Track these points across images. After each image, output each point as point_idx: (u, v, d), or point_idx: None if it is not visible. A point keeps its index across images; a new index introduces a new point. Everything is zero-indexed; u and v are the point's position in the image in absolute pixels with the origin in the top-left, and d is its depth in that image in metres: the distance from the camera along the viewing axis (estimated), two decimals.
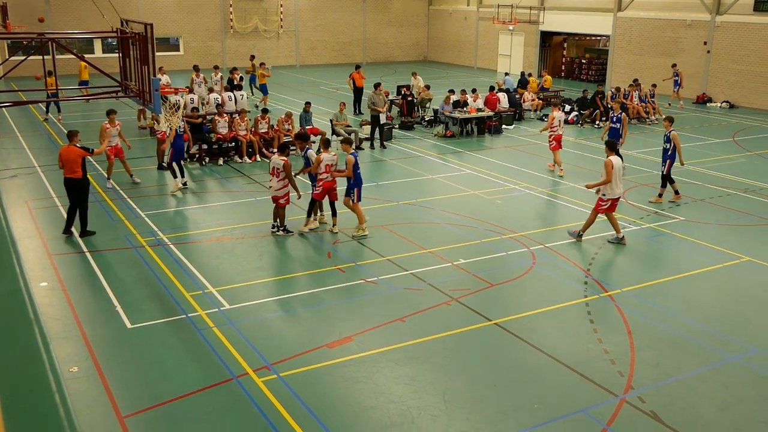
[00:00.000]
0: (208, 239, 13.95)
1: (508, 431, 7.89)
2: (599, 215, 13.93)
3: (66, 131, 14.80)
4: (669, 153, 16.47)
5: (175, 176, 17.32)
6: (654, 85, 29.24)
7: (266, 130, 20.92)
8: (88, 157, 14.30)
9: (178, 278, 11.92)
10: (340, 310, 10.86)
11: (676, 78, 30.97)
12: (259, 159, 20.33)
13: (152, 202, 16.42)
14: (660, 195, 16.82)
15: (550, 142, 19.48)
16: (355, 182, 14.07)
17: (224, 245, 13.63)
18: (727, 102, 32.50)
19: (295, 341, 9.89)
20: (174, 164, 17.37)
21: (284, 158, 13.94)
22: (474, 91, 26.06)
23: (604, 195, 13.73)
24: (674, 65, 31.74)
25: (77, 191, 13.81)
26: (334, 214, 14.47)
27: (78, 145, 13.90)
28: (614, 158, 13.61)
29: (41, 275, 12.00)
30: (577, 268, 12.68)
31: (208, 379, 8.85)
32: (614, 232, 13.95)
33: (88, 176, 14.30)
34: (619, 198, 13.89)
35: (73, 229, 14.05)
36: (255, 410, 8.19)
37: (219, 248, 13.48)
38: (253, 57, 33.56)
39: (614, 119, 20.00)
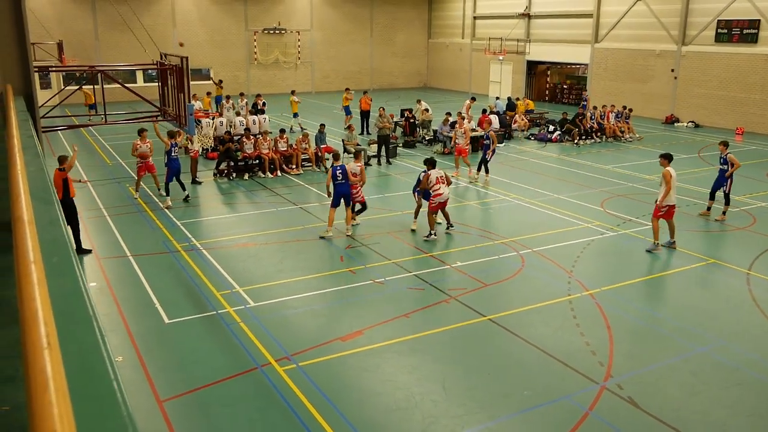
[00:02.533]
0: (236, 245, 13.95)
1: (500, 415, 7.84)
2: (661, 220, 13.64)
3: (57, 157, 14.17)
4: (727, 174, 15.64)
5: (167, 194, 16.92)
6: (630, 109, 29.19)
7: (285, 149, 20.95)
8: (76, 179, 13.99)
9: (209, 279, 11.92)
10: (352, 307, 10.83)
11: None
12: (279, 174, 20.35)
13: (187, 212, 16.43)
14: (724, 213, 15.89)
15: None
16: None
17: (250, 250, 13.63)
18: (692, 122, 32.39)
19: (312, 335, 9.86)
20: (169, 183, 16.93)
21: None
22: (459, 113, 26.03)
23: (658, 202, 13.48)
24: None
25: (66, 212, 12.75)
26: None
27: (62, 168, 13.23)
28: (671, 169, 13.41)
29: (91, 276, 12.02)
30: (561, 269, 12.62)
31: (236, 368, 8.83)
32: (668, 237, 13.72)
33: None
34: (674, 205, 13.55)
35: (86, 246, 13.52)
36: (277, 395, 8.16)
37: (245, 253, 13.47)
38: (220, 81, 33.38)
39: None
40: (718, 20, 30.89)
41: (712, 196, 16.25)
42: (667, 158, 13.66)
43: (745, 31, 29.91)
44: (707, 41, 31.58)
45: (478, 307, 10.80)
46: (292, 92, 30.39)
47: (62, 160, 13.59)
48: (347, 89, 31.07)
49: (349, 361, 9.08)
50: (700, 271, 12.69)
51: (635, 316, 10.73)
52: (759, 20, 29.31)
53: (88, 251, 13.36)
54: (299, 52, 46.54)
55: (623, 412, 7.92)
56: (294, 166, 20.80)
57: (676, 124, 32.83)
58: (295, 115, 29.20)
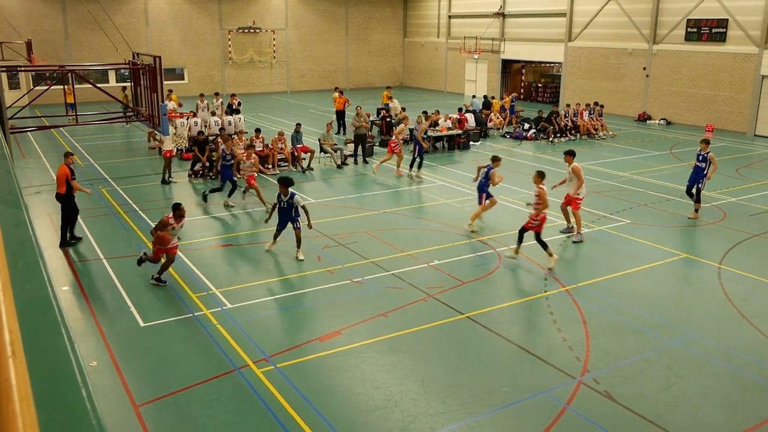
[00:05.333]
0: (212, 246, 13.82)
1: (479, 411, 7.85)
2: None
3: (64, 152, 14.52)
4: (705, 171, 15.72)
5: (230, 195, 16.96)
6: (602, 105, 29.51)
7: (261, 149, 20.81)
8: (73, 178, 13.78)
9: (185, 281, 11.79)
10: (330, 307, 10.79)
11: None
12: (256, 174, 20.16)
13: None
14: (696, 210, 16.06)
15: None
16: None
17: (226, 251, 13.51)
18: (664, 119, 32.81)
19: (290, 335, 9.81)
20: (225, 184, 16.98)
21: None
22: (434, 112, 26.04)
23: (579, 194, 14.22)
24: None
25: (61, 205, 13.55)
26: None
27: (71, 166, 13.72)
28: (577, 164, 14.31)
29: (63, 280, 11.82)
30: (538, 266, 12.69)
31: (213, 370, 8.74)
32: (567, 224, 14.82)
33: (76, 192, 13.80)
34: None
35: (78, 236, 14.05)
36: (255, 397, 8.09)
37: (221, 254, 13.35)
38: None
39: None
40: (688, 19, 31.32)
41: (690, 194, 16.22)
42: (572, 155, 14.63)
43: (713, 30, 30.37)
44: (677, 40, 32.02)
45: (456, 305, 10.82)
46: (335, 89, 30.72)
47: (68, 155, 13.99)
48: (388, 87, 32.50)
49: (328, 361, 9.04)
50: (673, 266, 12.84)
51: (611, 311, 10.83)
52: (727, 20, 29.77)
53: (72, 243, 13.75)
54: (274, 51, 46.29)
55: (600, 405, 7.99)
56: (270, 166, 20.66)
57: (648, 122, 33.24)
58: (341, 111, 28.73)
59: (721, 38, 30.11)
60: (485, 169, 15.03)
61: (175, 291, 11.40)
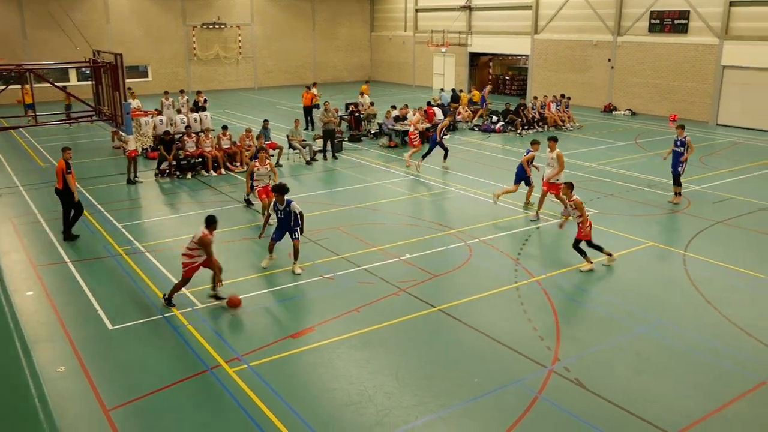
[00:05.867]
0: (181, 246, 13.67)
1: (452, 403, 7.94)
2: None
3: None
4: (682, 158, 16.20)
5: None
6: (569, 97, 29.89)
7: (229, 146, 20.67)
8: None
9: (154, 282, 11.68)
10: (302, 304, 10.79)
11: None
12: (224, 172, 20.07)
13: (129, 214, 16.04)
14: (678, 194, 16.61)
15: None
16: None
17: None
18: (629, 110, 33.32)
19: (262, 334, 9.79)
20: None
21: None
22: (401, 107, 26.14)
23: (558, 179, 14.74)
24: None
25: (60, 200, 13.94)
26: None
27: (69, 161, 13.95)
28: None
29: (27, 285, 11.62)
30: (508, 257, 12.84)
31: (185, 371, 8.69)
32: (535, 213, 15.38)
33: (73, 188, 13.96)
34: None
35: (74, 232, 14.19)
36: (228, 397, 8.08)
37: None
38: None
39: None
40: (651, 11, 31.83)
41: (677, 181, 16.61)
42: (555, 140, 15.28)
43: (676, 22, 30.92)
44: (641, 32, 32.53)
45: (427, 298, 10.90)
46: (314, 84, 30.73)
47: (65, 149, 14.16)
48: (366, 81, 33.46)
49: (301, 358, 9.06)
50: (640, 254, 13.10)
51: (580, 300, 11.02)
52: (688, 11, 30.33)
53: (75, 237, 14.05)
54: (240, 47, 45.91)
55: (571, 393, 8.14)
56: (238, 164, 20.54)
57: (614, 112, 33.73)
58: (317, 106, 28.79)
59: (683, 30, 30.68)
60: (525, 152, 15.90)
61: (144, 293, 11.29)
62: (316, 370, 8.76)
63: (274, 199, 12.12)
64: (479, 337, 9.64)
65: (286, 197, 11.96)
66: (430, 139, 20.92)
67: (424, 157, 20.42)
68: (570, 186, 12.45)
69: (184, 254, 10.62)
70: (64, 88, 20.77)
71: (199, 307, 10.62)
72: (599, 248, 12.28)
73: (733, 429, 7.48)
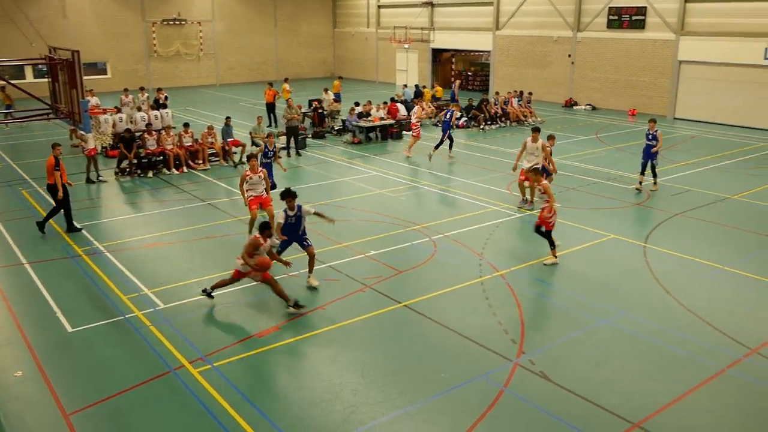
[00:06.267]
0: (142, 246, 13.45)
1: (419, 399, 7.94)
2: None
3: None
4: (653, 149, 16.82)
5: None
6: (530, 93, 30.18)
7: (191, 144, 20.38)
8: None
9: (115, 283, 11.44)
10: (267, 303, 10.67)
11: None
12: (186, 170, 19.77)
13: (88, 214, 15.68)
14: (655, 183, 17.44)
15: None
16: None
17: (157, 251, 13.17)
18: (590, 105, 33.79)
19: (227, 333, 9.66)
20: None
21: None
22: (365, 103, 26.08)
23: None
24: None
25: (51, 195, 14.15)
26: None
27: (58, 156, 14.01)
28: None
29: None
30: (472, 252, 12.89)
31: (147, 373, 8.52)
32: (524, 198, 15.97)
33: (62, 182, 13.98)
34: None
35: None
36: (192, 398, 7.94)
37: (153, 253, 13.02)
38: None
39: None
40: (609, 7, 32.31)
41: (643, 171, 17.28)
42: (538, 131, 15.63)
43: (633, 18, 31.46)
44: (600, 27, 33.00)
45: (393, 295, 10.89)
46: (285, 80, 30.78)
47: (55, 145, 14.19)
48: (339, 77, 33.58)
49: (267, 357, 8.96)
50: (601, 246, 13.28)
51: (543, 293, 11.12)
52: (645, 7, 30.87)
53: (79, 229, 14.16)
54: (201, 43, 45.30)
55: (536, 386, 8.20)
56: (200, 161, 20.26)
57: (575, 107, 34.18)
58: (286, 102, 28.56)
59: (641, 25, 31.21)
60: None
61: (105, 293, 11.05)
62: (281, 369, 8.68)
63: (278, 222, 11.11)
64: (445, 332, 9.66)
65: (296, 202, 11.12)
66: (442, 129, 21.61)
67: (436, 147, 21.16)
68: (537, 171, 12.75)
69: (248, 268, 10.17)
70: (2, 88, 20.12)
71: (162, 308, 10.43)
72: (552, 243, 12.29)
73: (694, 417, 7.63)
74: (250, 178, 13.56)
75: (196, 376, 8.40)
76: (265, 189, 13.83)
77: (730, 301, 10.75)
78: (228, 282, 10.47)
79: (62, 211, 14.16)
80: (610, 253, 12.96)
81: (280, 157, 15.77)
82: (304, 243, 11.23)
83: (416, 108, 24.21)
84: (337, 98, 30.70)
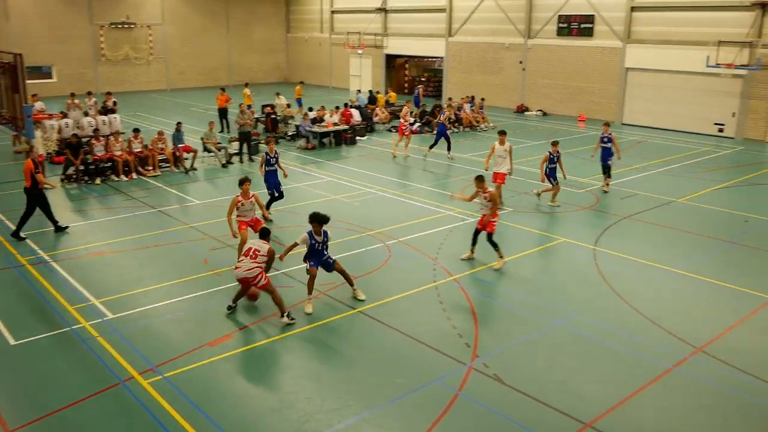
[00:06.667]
0: (90, 254, 13.10)
1: (375, 404, 7.92)
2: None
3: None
4: (611, 150, 17.82)
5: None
6: (483, 99, 30.54)
7: (140, 149, 19.97)
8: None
9: (60, 293, 11.10)
10: (219, 311, 10.50)
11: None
12: (135, 176, 19.36)
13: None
14: (607, 183, 18.28)
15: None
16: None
17: (105, 259, 12.85)
18: (541, 111, 34.38)
19: (178, 343, 9.46)
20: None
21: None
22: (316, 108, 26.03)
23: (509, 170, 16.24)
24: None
25: (27, 198, 14.04)
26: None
27: (36, 160, 14.15)
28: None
29: None
30: (426, 257, 12.94)
31: (95, 386, 8.28)
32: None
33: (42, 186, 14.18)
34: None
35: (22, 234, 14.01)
36: (143, 410, 7.75)
37: (101, 262, 12.69)
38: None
39: None
40: (559, 15, 32.98)
41: (605, 173, 18.21)
42: (505, 134, 16.48)
43: (582, 26, 32.17)
44: (550, 35, 33.65)
45: (348, 301, 10.85)
46: (246, 84, 30.94)
47: (31, 150, 14.72)
48: (300, 82, 34.07)
49: (220, 366, 8.81)
50: (553, 249, 13.50)
51: (496, 296, 11.23)
52: (593, 15, 31.62)
53: (65, 228, 14.34)
54: (151, 47, 44.51)
55: (490, 389, 8.27)
56: (150, 168, 19.88)
57: (526, 113, 34.73)
58: (249, 107, 28.32)
59: (589, 33, 31.93)
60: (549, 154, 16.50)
61: (50, 304, 10.71)
62: (234, 379, 8.55)
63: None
64: (400, 337, 9.67)
65: (324, 228, 10.54)
66: (437, 131, 22.90)
67: (431, 147, 22.56)
68: (481, 179, 12.54)
69: (248, 270, 10.03)
70: None
71: (111, 318, 10.17)
72: (496, 247, 12.37)
73: (642, 415, 7.79)
74: (242, 205, 12.24)
75: (147, 388, 8.20)
76: (255, 212, 12.72)
77: (676, 301, 11.04)
78: (244, 294, 10.40)
79: (25, 213, 14.05)
80: (562, 256, 13.18)
81: (282, 163, 15.31)
82: (329, 261, 10.67)
83: (405, 108, 24.82)
84: (299, 103, 30.76)
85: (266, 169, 15.12)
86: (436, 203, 16.75)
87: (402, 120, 23.46)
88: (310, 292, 10.50)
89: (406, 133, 23.00)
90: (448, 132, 22.88)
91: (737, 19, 26.63)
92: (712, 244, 14.00)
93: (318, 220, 10.46)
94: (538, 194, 17.18)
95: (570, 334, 9.80)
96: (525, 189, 18.18)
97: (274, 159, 15.15)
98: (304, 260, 10.72)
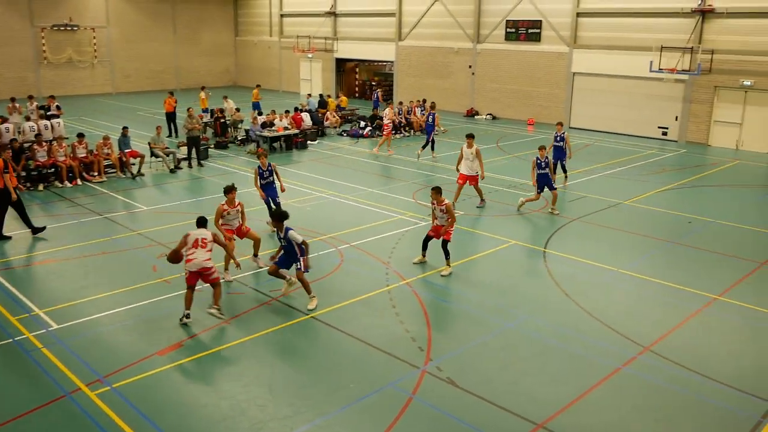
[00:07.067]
0: (33, 263, 12.70)
1: (329, 411, 7.88)
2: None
3: None
4: (564, 149, 18.84)
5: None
6: (433, 103, 30.74)
7: (85, 155, 19.47)
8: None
9: (2, 304, 10.72)
10: (169, 319, 10.30)
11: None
12: (80, 183, 18.86)
13: None
14: (566, 178, 19.52)
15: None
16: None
17: (49, 268, 12.47)
18: (490, 114, 34.85)
19: (126, 352, 9.24)
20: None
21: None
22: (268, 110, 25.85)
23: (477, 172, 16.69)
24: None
25: None
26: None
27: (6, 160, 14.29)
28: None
29: None
30: (379, 261, 12.97)
31: (40, 398, 8.03)
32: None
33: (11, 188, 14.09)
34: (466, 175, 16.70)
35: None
36: (89, 422, 7.55)
37: (44, 271, 12.31)
38: None
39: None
40: (507, 20, 33.51)
41: (564, 171, 19.27)
42: (473, 137, 16.81)
43: (530, 31, 32.76)
44: (498, 40, 34.16)
45: (300, 306, 10.78)
46: (202, 88, 30.90)
47: (3, 148, 14.75)
48: (257, 85, 34.08)
49: (169, 375, 8.65)
50: (504, 252, 13.67)
51: (449, 300, 11.32)
52: (541, 21, 32.23)
53: (8, 238, 14.00)
54: (95, 50, 43.47)
55: (444, 392, 8.32)
56: (96, 174, 19.40)
57: (476, 117, 35.16)
58: (205, 110, 28.60)
59: (537, 38, 32.54)
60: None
61: None
62: (185, 388, 8.40)
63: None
64: (353, 342, 9.65)
65: (285, 224, 10.73)
66: (426, 131, 24.01)
67: (423, 147, 23.32)
68: (438, 191, 12.34)
69: (206, 260, 10.09)
70: None
71: (55, 328, 9.87)
72: (447, 255, 12.34)
73: (594, 414, 7.96)
74: (228, 213, 12.11)
75: (94, 399, 7.99)
76: (240, 221, 12.44)
77: (624, 302, 11.32)
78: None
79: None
80: (513, 259, 13.37)
81: (278, 174, 14.80)
82: (297, 266, 10.75)
83: (387, 110, 25.56)
84: (257, 107, 30.55)
85: (261, 182, 14.69)
86: (389, 207, 16.80)
87: (386, 120, 24.56)
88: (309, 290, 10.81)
89: (386, 132, 24.36)
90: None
91: (679, 26, 27.53)
92: (658, 245, 14.41)
93: (277, 217, 10.88)
94: (520, 206, 16.77)
95: (522, 336, 9.94)
96: (474, 193, 18.36)
97: (268, 172, 14.70)
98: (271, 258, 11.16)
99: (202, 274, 10.07)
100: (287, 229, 10.71)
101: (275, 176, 14.79)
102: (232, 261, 11.50)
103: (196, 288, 10.22)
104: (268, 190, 14.80)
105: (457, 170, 17.02)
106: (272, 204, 14.86)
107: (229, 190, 12.22)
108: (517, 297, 11.41)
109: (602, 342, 9.77)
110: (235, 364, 8.96)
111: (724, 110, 27.11)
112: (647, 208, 17.28)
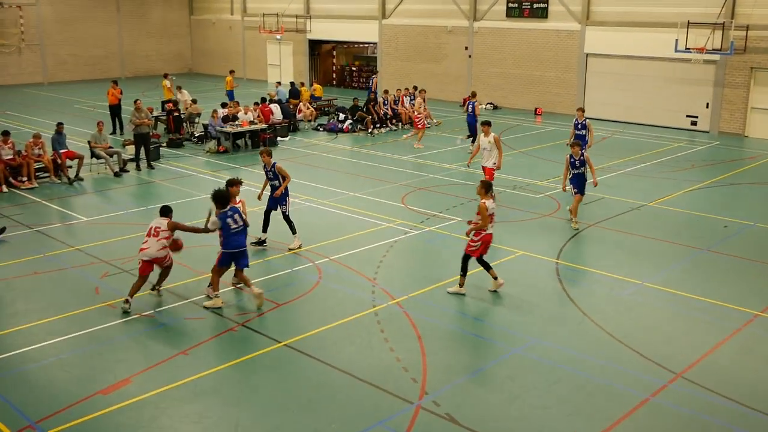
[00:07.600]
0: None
1: None
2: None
3: None
4: (585, 138, 19.18)
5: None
6: (423, 90, 30.84)
7: (12, 157, 19.31)
8: None
9: None
10: (114, 351, 10.21)
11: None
12: (5, 190, 18.69)
13: None
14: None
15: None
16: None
17: None
18: (491, 103, 34.99)
19: (64, 392, 9.13)
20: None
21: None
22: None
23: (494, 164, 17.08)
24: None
25: None
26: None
27: None
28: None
29: None
30: (364, 278, 12.94)
31: None
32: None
33: None
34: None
35: None
36: None
37: None
38: None
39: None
40: None
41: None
42: (489, 125, 17.28)
43: (535, 6, 32.97)
44: (499, 16, 34.35)
45: (271, 333, 10.72)
46: (165, 75, 31.31)
47: None
48: (231, 71, 34.36)
49: (116, 418, 8.55)
50: (510, 264, 13.68)
51: (446, 321, 11.30)
52: None
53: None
54: (22, 32, 43.27)
55: (442, 430, 8.28)
56: (25, 179, 19.25)
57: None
58: (170, 101, 28.31)
59: (543, 14, 32.75)
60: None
61: None
62: None
63: None
64: (334, 373, 9.60)
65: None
66: (468, 122, 24.97)
67: (470, 138, 24.36)
68: (486, 186, 12.05)
69: (159, 249, 11.46)
70: None
71: None
72: (464, 271, 12.19)
73: None
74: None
75: None
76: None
77: (650, 321, 11.35)
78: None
79: None
80: (520, 272, 13.38)
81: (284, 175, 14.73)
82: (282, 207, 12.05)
83: (418, 99, 27.00)
84: (231, 96, 30.62)
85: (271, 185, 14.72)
86: (374, 214, 16.79)
87: (416, 113, 25.88)
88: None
89: (420, 126, 25.48)
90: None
91: None
92: (687, 253, 14.49)
93: (216, 199, 11.66)
94: (574, 222, 16.07)
95: (532, 362, 9.93)
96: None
97: (270, 171, 14.70)
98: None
99: (155, 263, 11.55)
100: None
101: (280, 179, 14.58)
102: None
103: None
104: (275, 198, 14.59)
105: (468, 166, 17.46)
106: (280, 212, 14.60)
107: (233, 184, 12.45)
108: (526, 317, 11.41)
109: (626, 368, 9.78)
110: (194, 404, 8.88)
111: (763, 95, 27.41)
112: (675, 211, 17.39)
